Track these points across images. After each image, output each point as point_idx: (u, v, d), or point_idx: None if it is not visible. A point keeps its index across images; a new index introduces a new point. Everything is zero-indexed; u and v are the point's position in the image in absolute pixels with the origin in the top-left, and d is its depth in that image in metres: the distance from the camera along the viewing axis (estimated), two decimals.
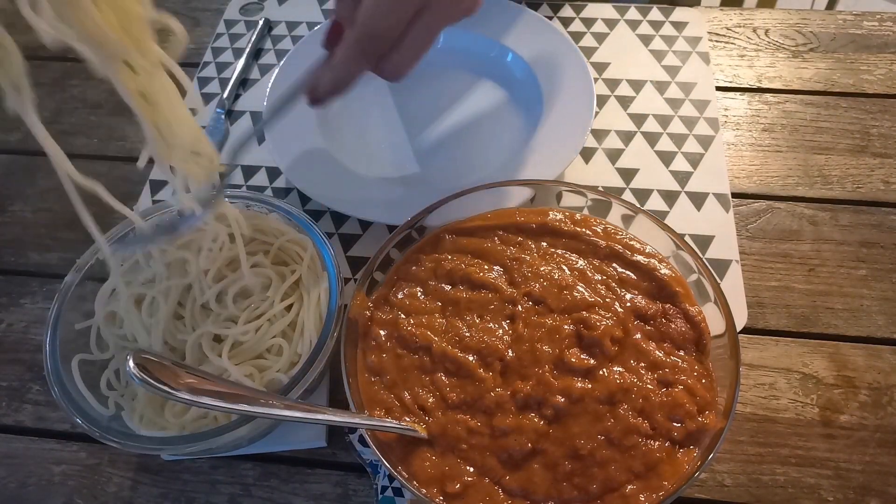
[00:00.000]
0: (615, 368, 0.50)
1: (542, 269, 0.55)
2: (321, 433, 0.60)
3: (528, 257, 0.57)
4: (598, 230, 0.58)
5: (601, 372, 0.50)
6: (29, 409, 0.66)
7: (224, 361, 0.54)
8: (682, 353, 0.52)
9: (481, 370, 0.51)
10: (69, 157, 0.58)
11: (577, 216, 0.60)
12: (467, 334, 0.53)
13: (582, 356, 0.51)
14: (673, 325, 0.53)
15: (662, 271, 0.56)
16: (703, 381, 0.51)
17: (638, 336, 0.52)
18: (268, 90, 0.80)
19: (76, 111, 0.89)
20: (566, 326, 0.52)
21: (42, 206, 0.80)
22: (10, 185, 0.82)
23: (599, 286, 0.55)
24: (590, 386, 0.49)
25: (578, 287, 0.54)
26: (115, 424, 0.53)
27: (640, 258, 0.56)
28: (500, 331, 0.53)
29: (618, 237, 0.58)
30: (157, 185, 0.80)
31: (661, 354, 0.51)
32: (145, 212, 0.62)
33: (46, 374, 0.54)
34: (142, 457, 0.62)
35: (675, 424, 0.48)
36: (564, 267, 0.56)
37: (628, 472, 0.47)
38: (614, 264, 0.57)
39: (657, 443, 0.48)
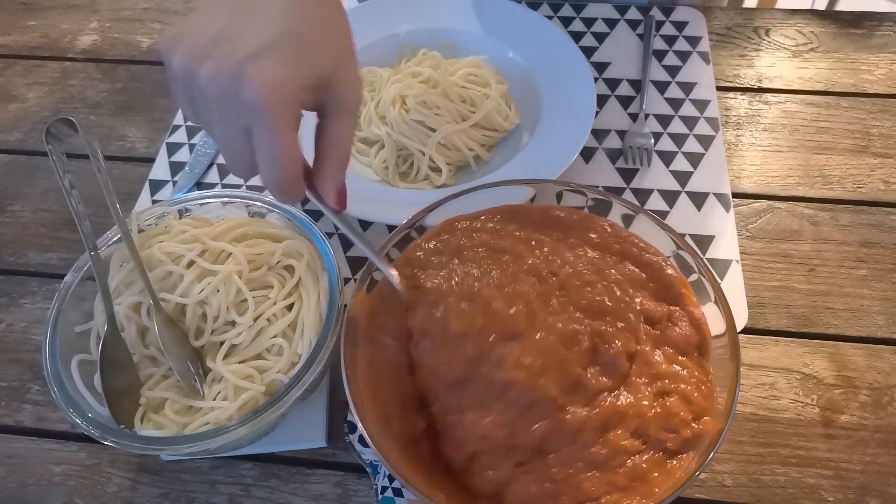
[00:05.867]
0: (623, 393, 0.48)
1: (565, 253, 0.54)
2: (321, 433, 0.60)
3: (547, 238, 0.56)
4: (607, 227, 0.58)
5: (608, 395, 0.48)
6: (29, 409, 0.66)
7: (219, 365, 0.54)
8: (684, 357, 0.51)
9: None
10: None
11: (580, 215, 0.59)
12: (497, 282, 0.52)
13: (602, 378, 0.49)
14: (678, 329, 0.52)
15: (668, 272, 0.55)
16: (703, 387, 0.50)
17: (647, 347, 0.51)
18: None
19: (76, 111, 0.89)
20: (583, 338, 0.50)
21: (42, 206, 0.80)
22: (10, 185, 0.82)
23: (615, 287, 0.53)
24: (591, 413, 0.47)
25: (598, 286, 0.53)
26: (115, 424, 0.53)
27: (648, 256, 0.56)
28: (528, 287, 0.51)
29: (623, 234, 0.57)
30: (157, 185, 0.80)
31: (664, 366, 0.50)
32: (144, 212, 0.62)
33: (46, 374, 0.54)
34: (142, 457, 0.62)
35: (669, 435, 0.47)
36: (583, 256, 0.55)
37: (609, 486, 0.46)
38: (626, 262, 0.56)
39: (647, 455, 0.47)
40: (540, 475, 0.46)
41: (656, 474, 0.46)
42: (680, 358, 0.51)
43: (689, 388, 0.49)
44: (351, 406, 0.49)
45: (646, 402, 0.48)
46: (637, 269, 0.55)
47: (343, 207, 0.49)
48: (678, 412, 0.48)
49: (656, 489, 0.45)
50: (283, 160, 0.44)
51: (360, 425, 0.47)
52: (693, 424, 0.48)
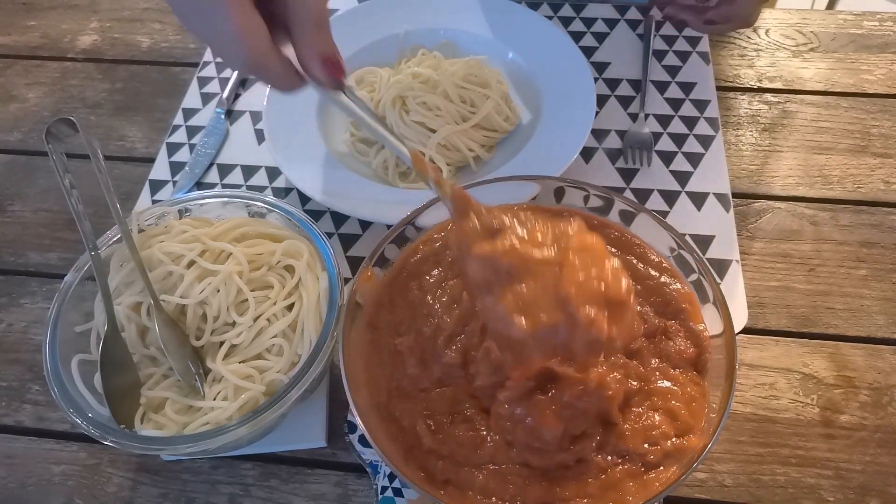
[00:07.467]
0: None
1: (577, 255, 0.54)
2: (321, 433, 0.60)
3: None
4: (613, 237, 0.57)
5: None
6: (29, 409, 0.66)
7: (219, 365, 0.54)
8: (676, 371, 0.51)
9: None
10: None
11: (595, 221, 0.58)
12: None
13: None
14: (672, 344, 0.52)
15: (672, 286, 0.54)
16: (694, 403, 0.49)
17: (644, 364, 0.51)
18: (268, 89, 0.80)
19: (76, 111, 0.89)
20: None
21: (42, 206, 0.80)
22: (10, 185, 0.82)
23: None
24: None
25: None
26: (115, 424, 0.53)
27: (652, 271, 0.55)
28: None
29: (634, 243, 0.57)
30: (157, 185, 0.80)
31: (657, 383, 0.50)
32: (144, 212, 0.62)
33: (46, 374, 0.54)
34: (142, 457, 0.62)
35: (650, 448, 0.47)
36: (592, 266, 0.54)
37: (579, 491, 0.46)
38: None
39: (624, 467, 0.47)
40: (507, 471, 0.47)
41: (631, 484, 0.46)
42: (672, 372, 0.51)
43: (677, 404, 0.49)
44: (348, 395, 0.48)
45: (626, 425, 0.48)
46: (635, 283, 0.54)
47: (337, 76, 0.42)
48: (660, 426, 0.48)
49: (629, 497, 0.45)
50: (238, 31, 0.39)
51: (351, 403, 0.47)
52: (675, 439, 0.47)
